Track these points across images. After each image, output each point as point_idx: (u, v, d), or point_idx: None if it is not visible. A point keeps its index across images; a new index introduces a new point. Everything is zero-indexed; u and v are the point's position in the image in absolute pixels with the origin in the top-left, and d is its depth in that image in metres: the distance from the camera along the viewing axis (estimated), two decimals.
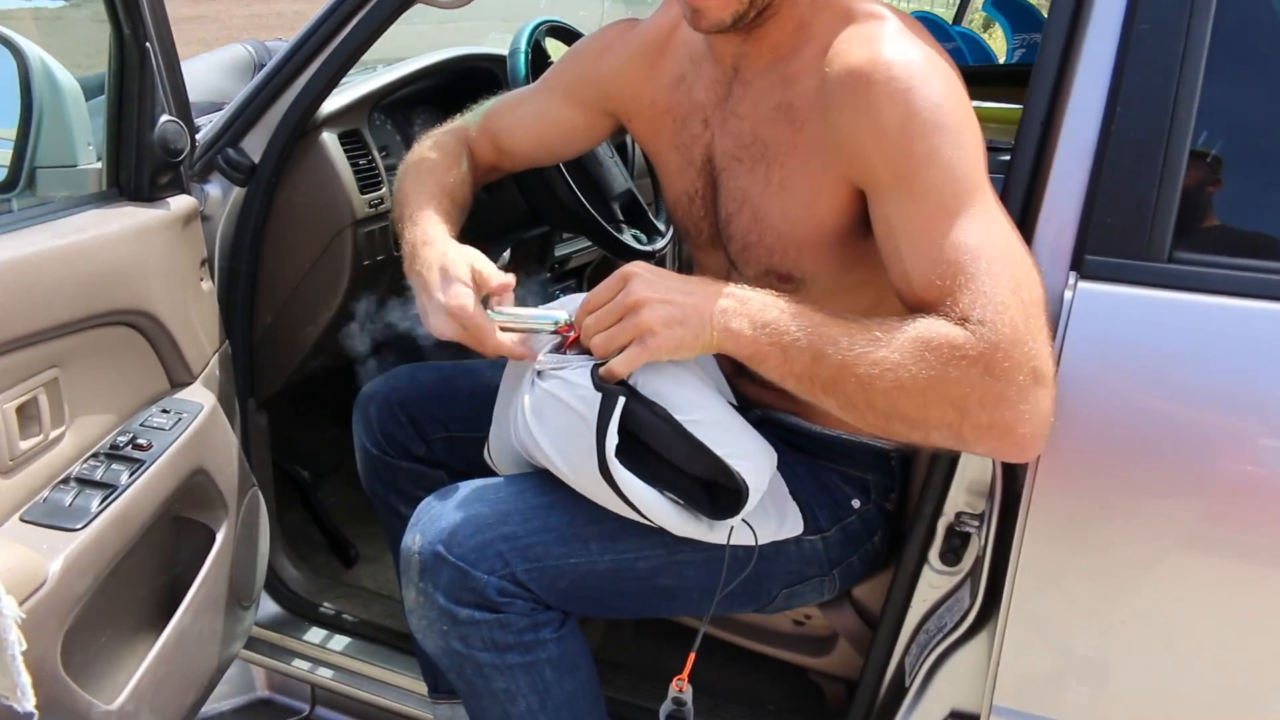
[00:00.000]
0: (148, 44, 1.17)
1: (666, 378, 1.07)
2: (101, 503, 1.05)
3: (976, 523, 1.17)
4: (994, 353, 0.90)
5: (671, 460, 1.06)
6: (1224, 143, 1.06)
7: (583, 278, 2.43)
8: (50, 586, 0.94)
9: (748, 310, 0.99)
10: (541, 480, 1.15)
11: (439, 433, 1.42)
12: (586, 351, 1.07)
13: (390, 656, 1.63)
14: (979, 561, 1.17)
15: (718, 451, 1.05)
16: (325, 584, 1.75)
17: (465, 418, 1.42)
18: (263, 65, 2.07)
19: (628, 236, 1.72)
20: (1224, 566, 1.02)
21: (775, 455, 1.13)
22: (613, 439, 1.03)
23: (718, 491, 1.09)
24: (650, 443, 1.06)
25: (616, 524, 1.12)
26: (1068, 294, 1.04)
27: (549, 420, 1.08)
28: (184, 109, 1.30)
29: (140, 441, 1.15)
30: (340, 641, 1.64)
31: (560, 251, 2.17)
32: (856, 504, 1.27)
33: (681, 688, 1.11)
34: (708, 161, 1.23)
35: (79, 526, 1.01)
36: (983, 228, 0.96)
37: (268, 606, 1.67)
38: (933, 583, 1.24)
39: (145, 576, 1.17)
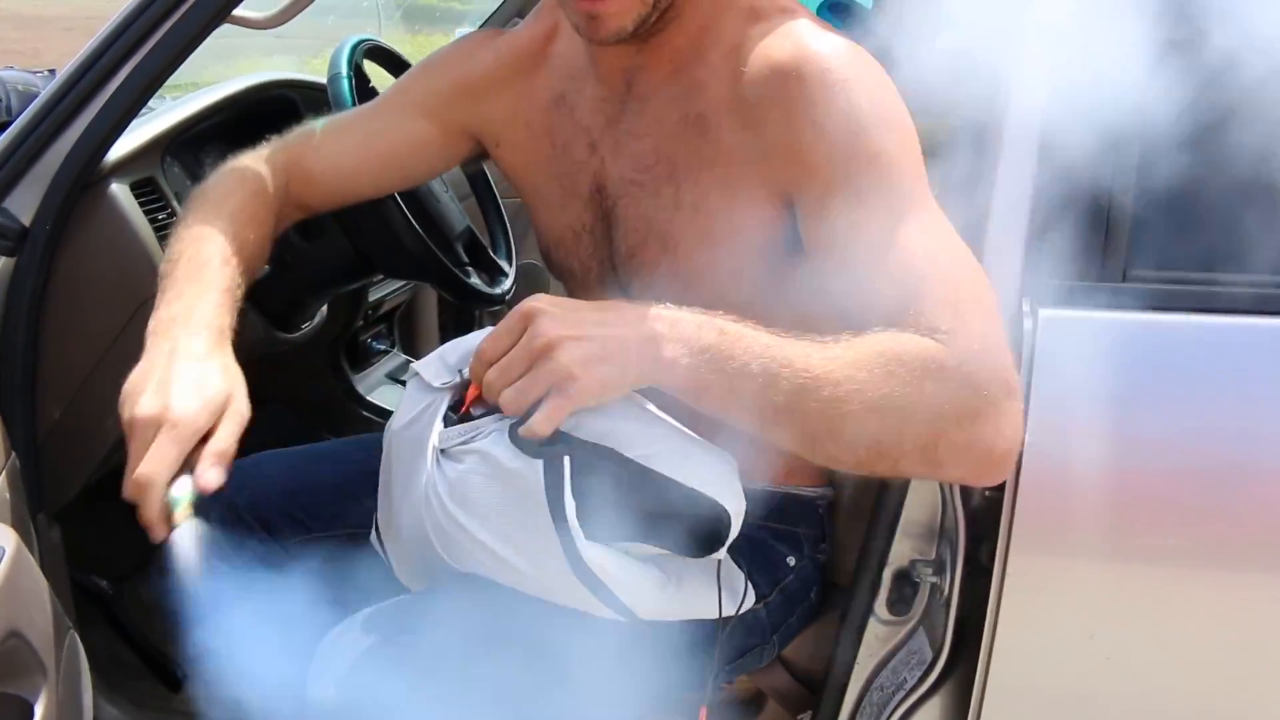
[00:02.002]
0: None
1: (600, 413, 0.90)
2: None
3: (930, 569, 1.10)
4: (969, 363, 0.83)
5: (636, 508, 0.91)
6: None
7: (393, 322, 2.21)
8: None
9: (680, 334, 0.85)
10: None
11: (298, 534, 1.20)
12: (490, 410, 0.91)
13: None
14: (938, 609, 1.10)
15: (687, 484, 0.90)
16: (151, 718, 1.46)
17: (329, 514, 1.21)
18: None
19: (475, 280, 1.55)
20: (1232, 595, 0.99)
21: (736, 465, 0.98)
22: (572, 507, 0.87)
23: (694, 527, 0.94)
24: (605, 495, 0.89)
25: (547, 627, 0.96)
26: (1027, 321, 0.99)
27: (479, 504, 0.90)
28: None
29: None
30: None
31: (373, 296, 1.96)
32: (791, 561, 1.17)
33: None
34: (597, 190, 1.09)
35: None
36: (935, 231, 0.90)
37: None
38: (879, 635, 1.16)
39: None
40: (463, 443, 0.92)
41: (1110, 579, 1.02)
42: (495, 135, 1.18)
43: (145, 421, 0.86)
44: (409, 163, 1.23)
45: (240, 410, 0.91)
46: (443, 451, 0.93)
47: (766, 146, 0.96)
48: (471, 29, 2.33)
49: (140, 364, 0.93)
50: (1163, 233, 1.02)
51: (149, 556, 1.72)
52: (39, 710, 1.02)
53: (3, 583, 0.95)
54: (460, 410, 0.94)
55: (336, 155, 1.21)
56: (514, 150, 1.16)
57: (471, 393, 0.93)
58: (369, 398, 2.02)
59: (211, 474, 0.86)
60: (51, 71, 2.13)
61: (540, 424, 0.84)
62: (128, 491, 0.86)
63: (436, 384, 0.98)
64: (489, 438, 0.90)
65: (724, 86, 0.99)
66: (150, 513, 0.84)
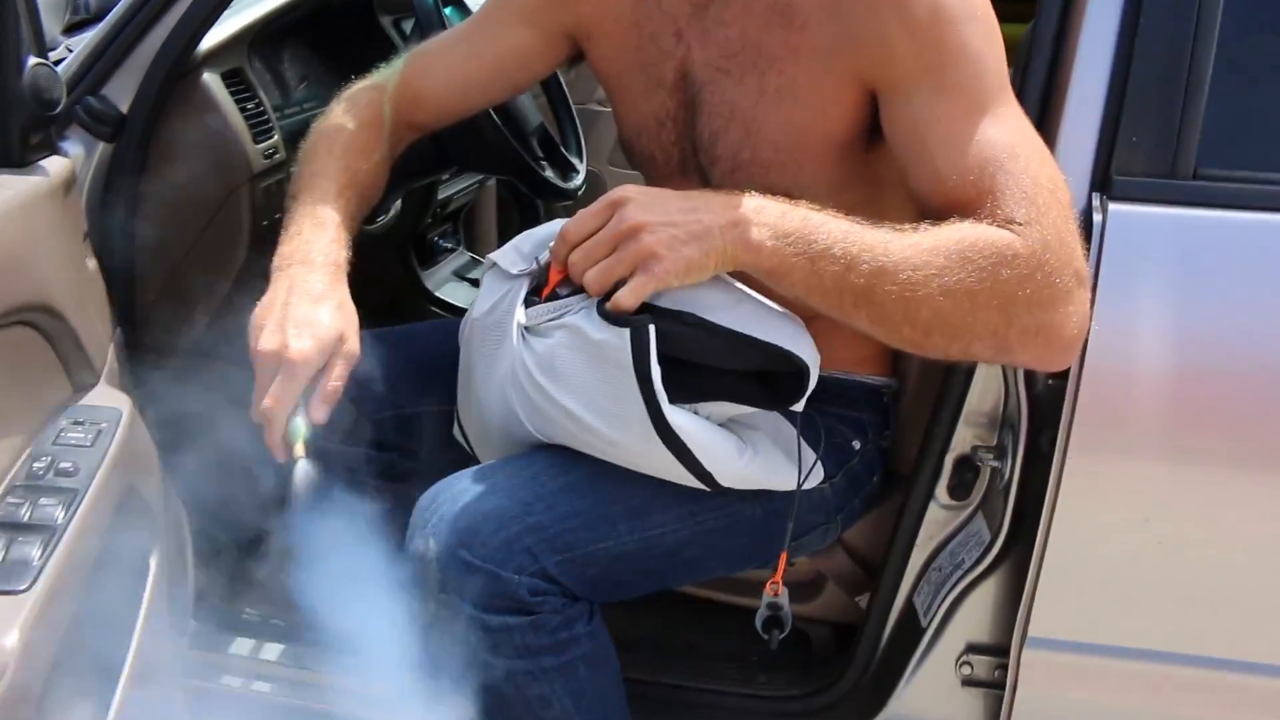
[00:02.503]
0: None
1: (683, 288, 0.94)
2: (43, 551, 0.85)
3: (992, 454, 1.14)
4: (1043, 253, 0.88)
5: (718, 366, 0.97)
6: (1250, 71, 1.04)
7: (458, 221, 2.26)
8: (14, 671, 0.75)
9: (765, 219, 0.90)
10: (553, 458, 1.03)
11: (385, 411, 1.26)
12: (575, 291, 0.95)
13: (329, 658, 1.47)
14: (997, 494, 1.15)
15: (765, 339, 0.95)
16: (242, 587, 1.55)
17: (412, 391, 1.26)
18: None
19: (549, 173, 1.59)
20: (1269, 489, 1.03)
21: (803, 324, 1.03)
22: (658, 372, 0.92)
23: (774, 382, 1.00)
24: (691, 357, 0.95)
25: (642, 498, 1.03)
26: (1096, 215, 1.01)
27: (570, 376, 0.96)
28: (44, 50, 1.07)
29: (64, 466, 0.95)
30: (273, 650, 1.47)
31: (441, 194, 2.00)
32: (856, 445, 1.21)
33: (776, 591, 1.07)
34: (681, 78, 1.11)
35: (24, 587, 0.82)
36: (1015, 126, 0.93)
37: None
38: (938, 519, 1.21)
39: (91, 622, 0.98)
40: (550, 320, 0.96)
41: (1166, 469, 1.06)
42: (588, 30, 1.19)
43: (266, 357, 0.94)
44: (514, 72, 1.25)
45: (351, 350, 0.98)
46: (528, 329, 0.98)
47: (852, 36, 0.98)
48: None
49: (264, 297, 1.00)
50: (1234, 131, 1.03)
51: None
52: (153, 565, 1.10)
53: (122, 441, 1.02)
54: (543, 293, 0.99)
55: (445, 74, 1.24)
56: (603, 43, 1.18)
57: (554, 275, 0.97)
58: (436, 293, 2.08)
59: (321, 411, 0.94)
60: None
61: (625, 298, 0.89)
62: (254, 418, 0.94)
63: (514, 271, 1.03)
64: (577, 314, 0.94)
65: None
66: (273, 440, 0.93)
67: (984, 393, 1.13)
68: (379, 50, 1.78)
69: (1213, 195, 1.00)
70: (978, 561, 1.16)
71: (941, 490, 1.19)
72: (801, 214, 0.91)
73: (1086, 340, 0.97)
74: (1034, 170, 0.91)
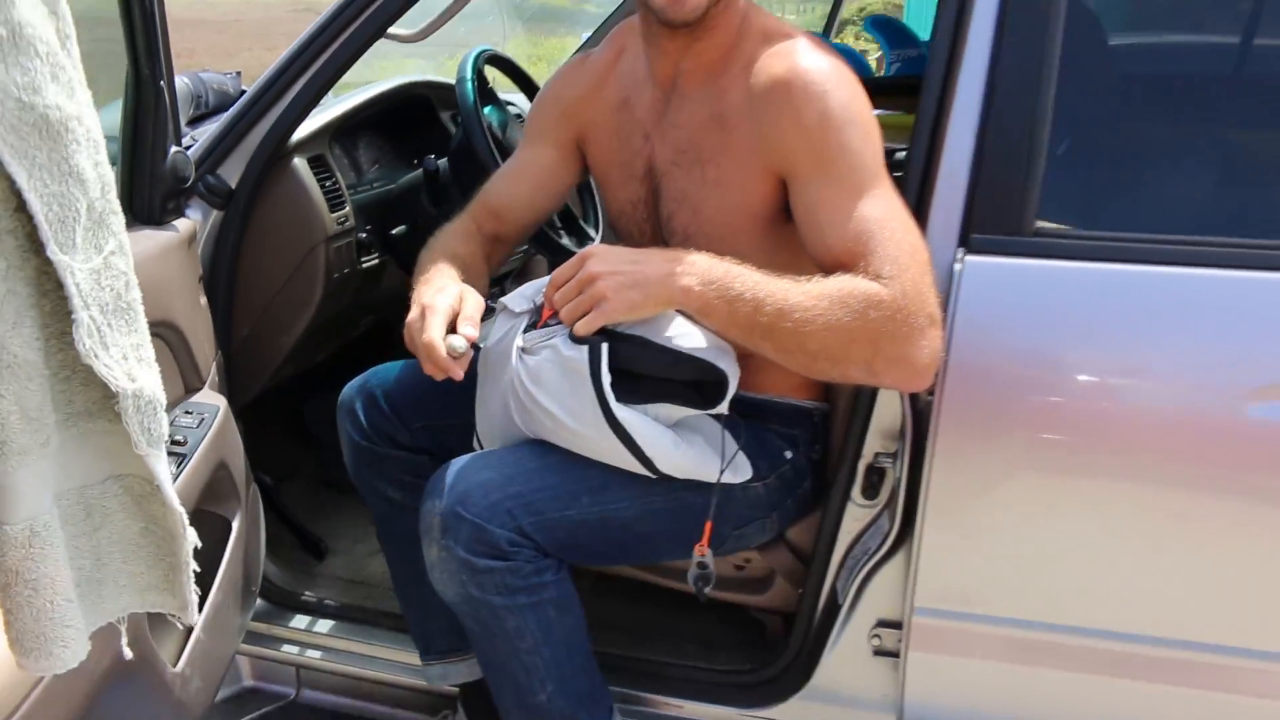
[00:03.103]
0: (162, 83, 1.32)
1: (642, 320, 1.27)
2: None
3: (890, 459, 1.43)
4: (903, 300, 1.15)
5: (659, 375, 1.28)
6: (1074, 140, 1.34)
7: (503, 284, 2.62)
8: None
9: (695, 270, 1.20)
10: (534, 447, 1.35)
11: (420, 421, 1.60)
12: (559, 322, 1.28)
13: (372, 633, 1.80)
14: (894, 493, 1.43)
15: (697, 355, 1.26)
16: (302, 576, 1.89)
17: (442, 407, 1.60)
18: (199, 96, 2.20)
19: (566, 242, 1.93)
20: (1089, 482, 1.30)
21: (732, 350, 1.32)
22: (607, 378, 1.24)
23: (703, 389, 1.30)
24: (641, 369, 1.26)
25: (601, 479, 1.33)
26: (957, 265, 1.30)
27: (548, 383, 1.28)
28: (180, 140, 1.46)
29: (177, 439, 1.30)
30: (324, 625, 1.80)
31: None
32: (789, 455, 1.50)
33: (703, 552, 1.35)
34: (649, 171, 1.45)
35: None
36: (885, 205, 1.22)
37: None
38: (856, 516, 1.48)
39: None
40: (540, 343, 1.30)
41: (1016, 467, 1.32)
42: (585, 138, 1.54)
43: (415, 318, 1.26)
44: (550, 184, 1.58)
45: (475, 293, 1.30)
46: (524, 350, 1.31)
47: (765, 139, 1.29)
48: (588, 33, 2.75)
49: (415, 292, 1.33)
50: (1062, 197, 1.33)
51: (297, 466, 2.18)
52: (235, 526, 1.44)
53: (219, 428, 1.37)
54: (538, 325, 1.32)
55: (507, 191, 1.59)
56: (594, 147, 1.53)
57: (546, 312, 1.31)
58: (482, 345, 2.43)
59: (468, 328, 1.24)
60: (238, 73, 2.58)
61: (581, 328, 1.22)
62: (421, 354, 1.24)
63: (518, 310, 1.36)
64: (557, 338, 1.27)
65: (740, 93, 1.33)
66: (441, 362, 1.21)
67: (886, 410, 1.41)
68: (438, 139, 2.18)
69: (1046, 248, 1.29)
70: (879, 548, 1.44)
71: (856, 491, 1.47)
72: (724, 267, 1.21)
73: (948, 363, 1.26)
74: (899, 237, 1.20)
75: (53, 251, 0.70)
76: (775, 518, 1.51)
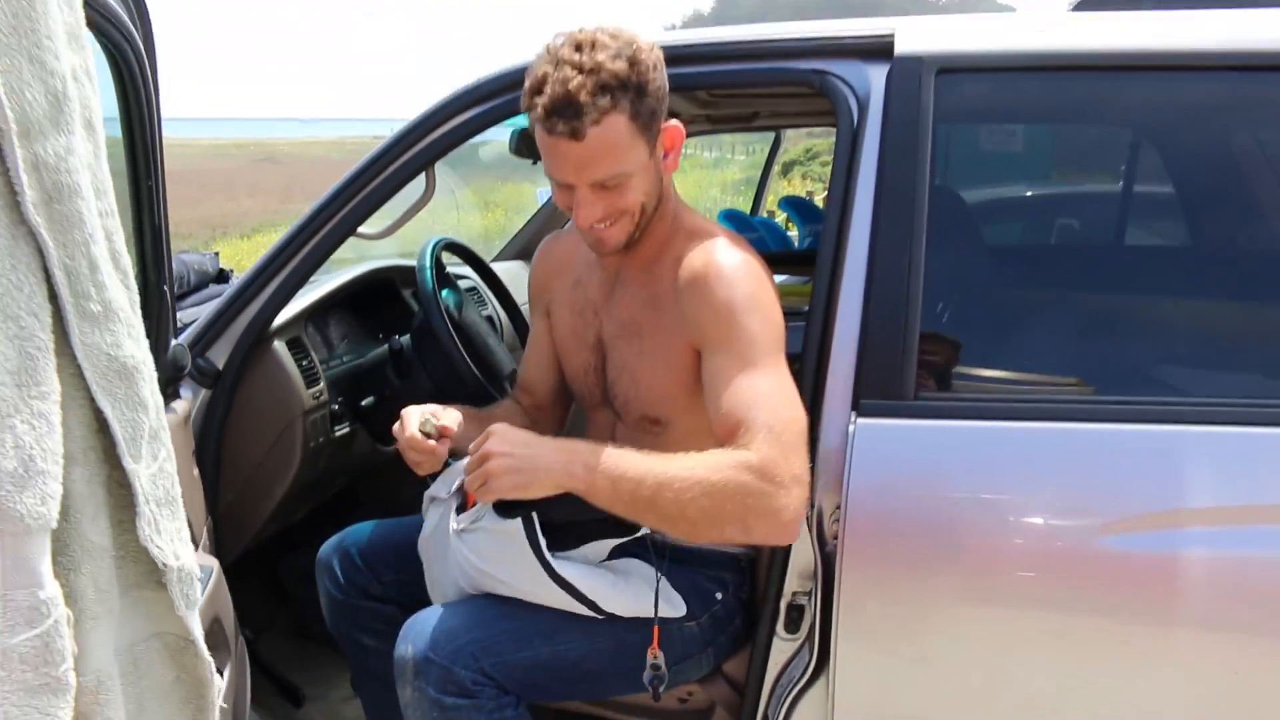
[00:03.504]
0: (165, 287, 1.54)
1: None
2: None
3: (807, 596, 1.63)
4: (771, 466, 1.32)
5: (580, 519, 1.47)
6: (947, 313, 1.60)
7: None
8: None
9: (580, 457, 1.36)
10: (491, 599, 1.54)
11: (390, 574, 1.78)
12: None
13: None
14: (812, 627, 1.62)
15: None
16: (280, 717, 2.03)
17: (409, 561, 1.78)
18: (181, 276, 2.42)
19: None
20: (975, 610, 1.51)
21: None
22: (543, 542, 1.44)
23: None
24: (557, 518, 1.47)
25: (551, 624, 1.52)
26: (851, 427, 1.53)
27: (491, 555, 1.50)
28: (178, 332, 1.67)
29: None
30: None
31: None
32: (719, 595, 1.70)
33: (655, 654, 1.52)
34: (598, 342, 1.68)
35: None
36: (772, 381, 1.41)
37: None
38: (781, 649, 1.66)
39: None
40: (472, 522, 1.50)
41: (910, 601, 1.52)
42: (550, 310, 1.79)
43: (396, 427, 1.55)
44: (554, 350, 1.79)
45: (452, 410, 1.58)
46: (461, 531, 1.52)
47: (685, 318, 1.53)
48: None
49: None
50: (939, 366, 1.58)
51: (274, 618, 2.33)
52: (226, 675, 1.59)
53: (213, 588, 1.54)
54: (467, 505, 1.53)
55: (529, 368, 1.86)
56: (556, 318, 1.77)
57: (470, 497, 1.52)
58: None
59: (438, 413, 1.55)
60: (216, 254, 2.81)
61: (478, 498, 1.43)
62: (404, 449, 1.53)
63: (444, 496, 1.58)
64: (485, 517, 1.48)
65: (669, 281, 1.57)
66: (418, 444, 1.50)
67: (800, 554, 1.62)
68: (401, 314, 2.42)
69: (926, 410, 1.53)
70: (802, 676, 1.62)
71: (780, 626, 1.66)
72: (609, 452, 1.36)
73: (847, 511, 1.48)
74: (777, 407, 1.38)
75: (127, 462, 0.91)
76: (710, 653, 1.70)
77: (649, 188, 1.50)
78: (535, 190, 4.17)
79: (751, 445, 1.35)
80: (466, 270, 2.52)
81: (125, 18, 1.17)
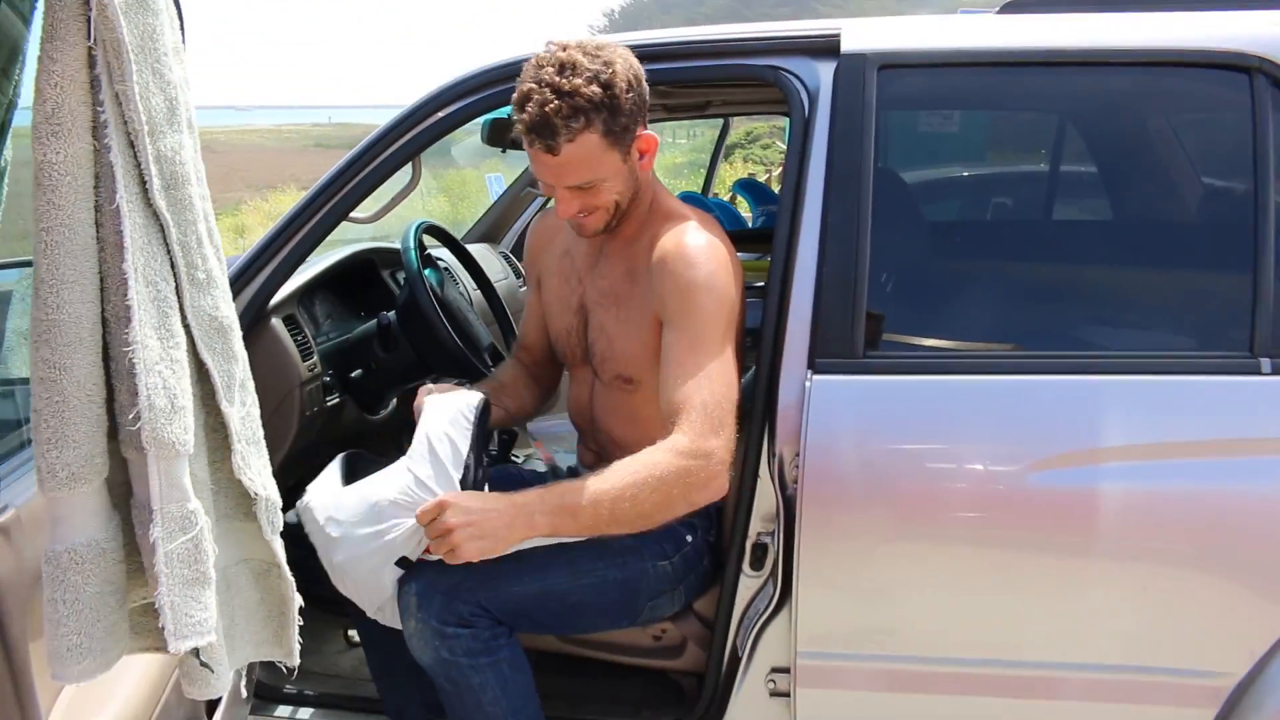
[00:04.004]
0: None
1: None
2: None
3: (770, 537, 1.81)
4: (700, 442, 1.55)
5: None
6: (891, 282, 1.79)
7: None
8: None
9: (533, 507, 1.54)
10: None
11: None
12: None
13: (346, 716, 2.08)
14: (775, 563, 1.80)
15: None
16: (281, 674, 2.15)
17: None
18: None
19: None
20: (921, 544, 1.70)
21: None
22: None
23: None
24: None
25: (542, 561, 1.68)
26: (807, 384, 1.71)
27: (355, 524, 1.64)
28: None
29: None
30: (305, 713, 2.07)
31: None
32: (690, 539, 1.86)
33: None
34: (581, 306, 1.85)
35: None
36: (717, 361, 1.61)
37: None
38: (747, 585, 1.84)
39: None
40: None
41: (863, 538, 1.72)
42: (541, 278, 1.96)
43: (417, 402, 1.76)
44: (546, 317, 1.96)
45: (476, 392, 1.76)
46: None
47: (652, 290, 1.71)
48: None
49: None
50: (884, 326, 1.77)
51: None
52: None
53: None
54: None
55: (526, 331, 2.04)
56: (546, 285, 1.94)
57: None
58: None
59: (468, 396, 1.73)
60: None
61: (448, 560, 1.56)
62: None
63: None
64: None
65: (644, 257, 1.74)
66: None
67: (763, 500, 1.80)
68: (380, 293, 2.56)
69: (873, 366, 1.72)
70: (767, 608, 1.80)
71: (745, 564, 1.84)
72: (559, 489, 1.56)
73: (805, 460, 1.66)
74: (715, 389, 1.58)
75: (224, 406, 1.08)
76: (682, 590, 1.87)
77: (622, 188, 1.68)
78: (485, 177, 4.33)
79: (684, 424, 1.56)
80: (443, 251, 2.67)
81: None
